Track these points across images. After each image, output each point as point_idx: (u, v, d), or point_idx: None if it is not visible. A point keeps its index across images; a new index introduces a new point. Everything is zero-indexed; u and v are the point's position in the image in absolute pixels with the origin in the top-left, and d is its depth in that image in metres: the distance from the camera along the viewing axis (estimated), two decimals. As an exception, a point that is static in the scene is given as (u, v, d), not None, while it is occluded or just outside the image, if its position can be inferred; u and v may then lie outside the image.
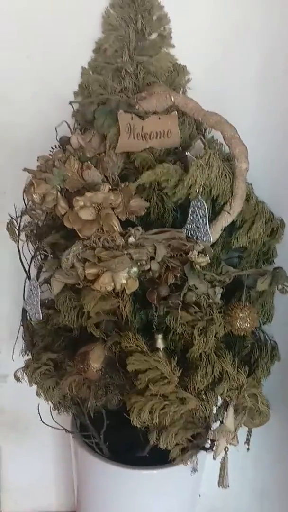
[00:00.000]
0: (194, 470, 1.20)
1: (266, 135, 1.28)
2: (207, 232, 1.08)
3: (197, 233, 1.09)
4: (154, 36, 1.25)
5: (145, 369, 1.07)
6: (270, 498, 1.50)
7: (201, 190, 1.08)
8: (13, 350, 1.30)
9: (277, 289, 1.18)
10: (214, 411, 1.17)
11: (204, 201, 1.07)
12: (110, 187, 1.04)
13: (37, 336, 1.25)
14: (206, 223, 1.08)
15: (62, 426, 1.34)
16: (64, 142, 1.13)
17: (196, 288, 1.10)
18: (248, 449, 1.27)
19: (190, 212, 1.09)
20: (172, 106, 1.13)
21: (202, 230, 1.08)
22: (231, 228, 1.17)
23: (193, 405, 1.08)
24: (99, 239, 1.03)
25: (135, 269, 1.03)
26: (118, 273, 1.01)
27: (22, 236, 1.20)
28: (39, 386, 1.21)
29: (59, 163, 1.07)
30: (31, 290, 1.16)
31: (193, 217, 1.09)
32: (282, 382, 1.32)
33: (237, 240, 1.17)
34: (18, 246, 1.19)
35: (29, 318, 1.23)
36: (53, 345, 1.23)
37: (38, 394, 1.23)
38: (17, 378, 1.24)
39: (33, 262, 1.23)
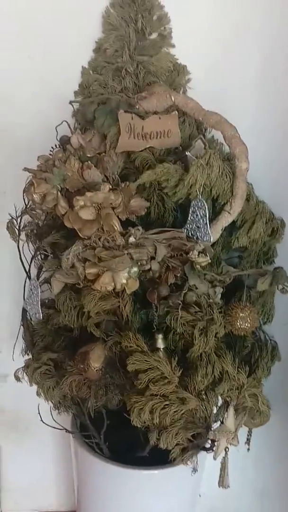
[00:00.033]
0: (195, 470, 1.20)
1: (266, 135, 1.28)
2: (207, 232, 1.08)
3: (198, 233, 1.09)
4: (154, 35, 1.25)
5: (145, 369, 1.07)
6: (270, 498, 1.50)
7: (201, 190, 1.08)
8: (13, 350, 1.30)
9: (278, 289, 1.18)
10: (215, 411, 1.16)
11: (204, 201, 1.07)
12: (111, 186, 1.04)
13: (37, 336, 1.25)
14: (206, 223, 1.08)
15: (62, 426, 1.34)
16: (64, 142, 1.13)
17: (196, 288, 1.10)
18: (248, 449, 1.27)
19: (190, 212, 1.09)
20: (172, 105, 1.13)
21: (202, 230, 1.08)
22: (232, 228, 1.17)
23: (193, 405, 1.08)
24: (99, 239, 1.03)
25: (135, 269, 1.03)
26: (118, 273, 1.01)
27: (23, 236, 1.20)
28: (39, 386, 1.21)
29: (60, 163, 1.07)
30: (31, 289, 1.16)
31: (193, 217, 1.09)
32: (283, 382, 1.32)
33: (237, 240, 1.17)
34: (18, 246, 1.19)
35: (29, 318, 1.23)
36: (53, 345, 1.23)
37: (38, 394, 1.23)
38: (17, 378, 1.24)
39: (33, 261, 1.23)
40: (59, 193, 1.06)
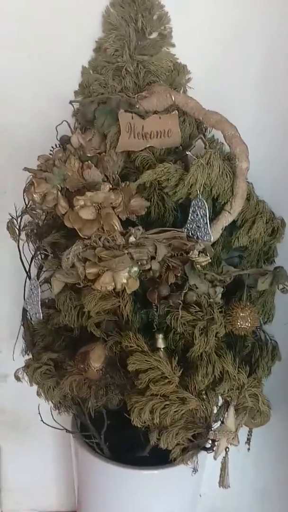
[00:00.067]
0: (195, 470, 1.20)
1: (267, 134, 1.28)
2: (207, 232, 1.08)
3: (198, 233, 1.09)
4: (154, 35, 1.25)
5: (145, 369, 1.07)
6: (271, 498, 1.50)
7: (201, 189, 1.08)
8: (13, 350, 1.30)
9: (278, 288, 1.18)
10: (215, 411, 1.16)
11: (204, 201, 1.07)
12: (111, 186, 1.04)
13: (38, 335, 1.25)
14: (206, 223, 1.08)
15: (62, 426, 1.34)
16: (64, 142, 1.13)
17: (196, 288, 1.09)
18: (249, 449, 1.27)
19: (190, 211, 1.09)
20: (172, 105, 1.13)
21: (202, 229, 1.08)
22: (232, 228, 1.17)
23: (193, 405, 1.08)
24: (99, 239, 1.03)
25: (135, 268, 1.02)
26: (118, 273, 1.01)
27: (23, 235, 1.20)
28: (40, 386, 1.21)
29: (60, 163, 1.07)
30: (31, 289, 1.16)
31: (193, 217, 1.09)
32: (283, 382, 1.32)
33: (237, 240, 1.17)
34: (18, 246, 1.19)
35: (29, 317, 1.23)
36: (53, 345, 1.23)
37: (38, 394, 1.22)
38: (18, 378, 1.24)
39: (33, 261, 1.23)
40: (59, 192, 1.06)
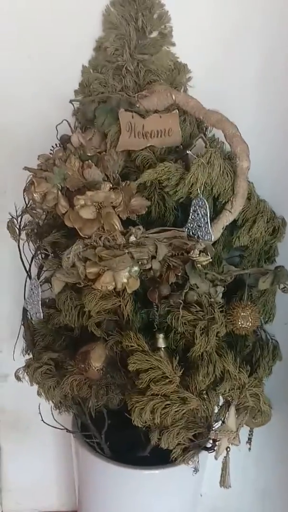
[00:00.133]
0: (196, 470, 1.20)
1: (267, 134, 1.28)
2: (208, 231, 1.08)
3: (199, 232, 1.08)
4: (154, 34, 1.25)
5: (146, 369, 1.07)
6: (272, 498, 1.50)
7: (202, 188, 1.08)
8: (14, 350, 1.29)
9: (279, 288, 1.18)
10: (216, 410, 1.16)
11: (205, 200, 1.07)
12: (111, 185, 1.04)
13: (38, 335, 1.25)
14: (207, 222, 1.07)
15: (63, 426, 1.34)
16: (64, 141, 1.12)
17: (197, 287, 1.09)
18: (249, 448, 1.26)
19: (191, 211, 1.09)
20: (173, 104, 1.13)
21: (203, 229, 1.08)
22: (233, 227, 1.17)
23: (194, 405, 1.08)
24: (100, 238, 1.03)
25: (136, 268, 1.02)
26: (119, 272, 1.01)
27: (23, 235, 1.20)
28: (40, 385, 1.20)
29: (60, 162, 1.07)
30: (31, 289, 1.16)
31: (194, 216, 1.09)
32: (284, 382, 1.32)
33: (238, 239, 1.16)
34: (18, 245, 1.19)
35: (30, 317, 1.23)
36: (54, 345, 1.23)
37: (39, 394, 1.22)
38: (18, 378, 1.24)
39: (33, 261, 1.23)
40: (59, 192, 1.06)
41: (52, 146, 1.13)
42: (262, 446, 1.40)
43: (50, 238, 1.15)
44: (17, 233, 1.18)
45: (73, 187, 1.06)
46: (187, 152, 1.09)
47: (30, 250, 1.22)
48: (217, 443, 1.17)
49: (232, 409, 1.13)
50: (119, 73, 1.24)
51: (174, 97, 1.12)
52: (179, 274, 1.07)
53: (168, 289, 1.08)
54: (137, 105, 1.12)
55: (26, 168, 1.09)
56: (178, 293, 1.09)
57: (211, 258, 1.07)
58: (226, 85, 1.28)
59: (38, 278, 1.19)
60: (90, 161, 1.07)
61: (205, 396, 1.10)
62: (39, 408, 1.29)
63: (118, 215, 1.04)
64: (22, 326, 1.28)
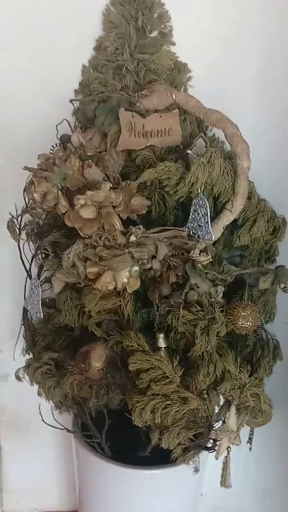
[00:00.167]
0: (196, 470, 1.20)
1: (267, 134, 1.28)
2: (208, 231, 1.08)
3: (199, 232, 1.08)
4: (155, 33, 1.25)
5: (146, 369, 1.07)
6: (272, 498, 1.50)
7: (202, 188, 1.08)
8: (14, 350, 1.29)
9: (279, 287, 1.18)
10: (216, 410, 1.16)
11: (205, 199, 1.07)
12: (111, 185, 1.04)
13: (38, 335, 1.25)
14: (207, 222, 1.07)
15: (63, 426, 1.34)
16: (64, 141, 1.12)
17: (197, 287, 1.09)
18: (250, 448, 1.26)
19: (191, 210, 1.09)
20: (173, 104, 1.12)
21: (203, 228, 1.08)
22: (233, 227, 1.16)
23: (195, 405, 1.08)
24: (100, 238, 1.02)
25: (136, 268, 1.02)
26: (119, 272, 1.01)
27: (23, 235, 1.19)
28: (40, 385, 1.20)
29: (60, 162, 1.07)
30: (32, 289, 1.16)
31: (194, 216, 1.08)
32: (284, 381, 1.32)
33: (239, 239, 1.16)
34: (19, 245, 1.19)
35: (30, 317, 1.23)
36: (54, 345, 1.23)
37: (39, 394, 1.22)
38: (18, 378, 1.24)
39: (34, 261, 1.23)
40: (59, 192, 1.06)
41: (52, 146, 1.13)
42: (263, 445, 1.39)
43: (50, 237, 1.15)
44: (17, 232, 1.18)
45: (73, 186, 1.06)
46: (188, 151, 1.09)
47: (30, 249, 1.22)
48: (217, 443, 1.16)
49: (233, 409, 1.13)
50: (119, 72, 1.24)
51: (174, 97, 1.11)
52: (180, 274, 1.07)
53: (168, 288, 1.08)
54: (137, 105, 1.12)
55: (26, 168, 1.09)
56: (179, 292, 1.09)
57: (212, 257, 1.07)
58: (226, 84, 1.28)
59: (38, 278, 1.18)
60: (90, 160, 1.07)
61: (206, 396, 1.10)
62: (39, 408, 1.29)
63: (118, 215, 1.04)
64: (22, 326, 1.28)
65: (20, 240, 1.19)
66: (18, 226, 1.17)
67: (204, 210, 1.07)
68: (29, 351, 1.28)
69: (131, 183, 1.07)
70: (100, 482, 1.33)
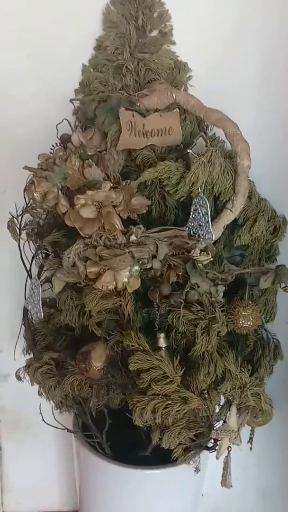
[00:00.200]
0: (197, 469, 1.20)
1: (267, 134, 1.28)
2: (209, 230, 1.08)
3: (199, 231, 1.08)
4: (155, 33, 1.24)
5: (147, 368, 1.07)
6: (273, 497, 1.50)
7: (203, 187, 1.07)
8: (14, 349, 1.29)
9: (280, 287, 1.18)
10: (217, 410, 1.16)
11: (206, 199, 1.07)
12: (112, 185, 1.04)
13: (39, 335, 1.25)
14: (208, 221, 1.07)
15: (64, 426, 1.34)
16: (65, 140, 1.12)
17: (198, 287, 1.09)
18: (251, 448, 1.26)
19: (192, 210, 1.09)
20: (173, 103, 1.12)
21: (204, 228, 1.08)
22: (233, 226, 1.16)
23: (195, 405, 1.08)
24: (100, 238, 1.02)
25: (136, 267, 1.02)
26: (119, 272, 1.01)
27: (23, 234, 1.19)
28: (41, 385, 1.20)
29: (60, 161, 1.07)
30: (32, 289, 1.16)
31: (195, 215, 1.08)
32: (285, 381, 1.32)
33: (239, 238, 1.16)
34: (19, 245, 1.19)
35: (30, 317, 1.23)
36: (54, 344, 1.23)
37: (39, 394, 1.22)
38: (19, 378, 1.24)
39: (34, 260, 1.23)
40: (59, 191, 1.06)
41: (53, 145, 1.12)
42: (264, 445, 1.39)
43: (51, 237, 1.15)
44: (18, 232, 1.18)
45: (74, 186, 1.06)
46: (188, 151, 1.09)
47: (30, 249, 1.22)
48: (218, 442, 1.16)
49: (233, 409, 1.13)
50: (119, 72, 1.24)
51: (174, 96, 1.11)
52: (180, 274, 1.07)
53: (169, 288, 1.08)
54: (138, 104, 1.12)
55: (26, 168, 1.09)
56: (179, 292, 1.09)
57: (212, 257, 1.07)
58: (226, 84, 1.28)
59: (39, 278, 1.18)
60: (90, 160, 1.07)
61: (206, 396, 1.10)
62: (40, 408, 1.29)
63: (119, 215, 1.04)
64: (23, 326, 1.28)
65: (21, 240, 1.19)
66: (18, 226, 1.17)
67: (205, 210, 1.07)
68: (29, 351, 1.28)
69: (131, 183, 1.07)
70: (100, 482, 1.33)
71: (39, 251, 1.20)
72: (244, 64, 1.27)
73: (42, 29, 1.26)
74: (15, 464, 1.68)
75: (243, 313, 1.10)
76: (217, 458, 1.18)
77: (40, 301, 1.15)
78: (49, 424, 1.32)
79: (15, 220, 1.17)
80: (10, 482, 1.70)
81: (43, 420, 1.31)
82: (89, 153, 1.09)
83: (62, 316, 1.17)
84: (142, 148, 1.12)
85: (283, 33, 1.23)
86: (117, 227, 1.03)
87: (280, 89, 1.26)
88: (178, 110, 1.12)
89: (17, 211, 1.16)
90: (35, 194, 1.06)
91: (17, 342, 1.28)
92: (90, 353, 1.10)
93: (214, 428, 1.16)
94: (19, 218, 1.17)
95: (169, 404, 1.06)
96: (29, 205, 1.14)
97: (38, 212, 1.15)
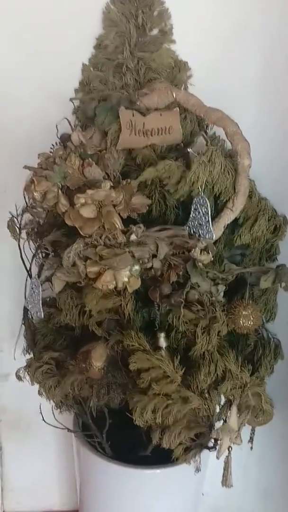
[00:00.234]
0: (197, 469, 1.20)
1: (267, 133, 1.28)
2: (209, 230, 1.07)
3: (200, 231, 1.08)
4: (155, 32, 1.24)
5: (147, 368, 1.07)
6: (274, 497, 1.50)
7: (203, 187, 1.07)
8: (14, 349, 1.29)
9: (281, 286, 1.18)
10: (218, 410, 1.16)
11: (206, 198, 1.07)
12: (112, 184, 1.04)
13: (39, 334, 1.25)
14: (208, 220, 1.07)
15: (64, 426, 1.34)
16: (65, 139, 1.12)
17: (198, 286, 1.09)
18: (251, 448, 1.26)
19: (192, 209, 1.08)
20: (173, 102, 1.12)
21: (204, 227, 1.08)
22: (234, 226, 1.16)
23: (196, 404, 1.08)
24: (100, 237, 1.02)
25: (137, 267, 1.02)
26: (120, 271, 1.01)
27: (23, 234, 1.19)
28: (41, 385, 1.20)
29: (60, 160, 1.07)
30: (32, 288, 1.16)
31: (195, 214, 1.08)
32: (286, 381, 1.31)
33: (240, 238, 1.16)
34: (19, 244, 1.19)
35: (30, 316, 1.22)
36: (54, 344, 1.23)
37: (40, 393, 1.22)
38: (19, 377, 1.24)
39: (34, 260, 1.23)
40: (59, 190, 1.06)
41: (52, 145, 1.12)
42: (264, 445, 1.39)
43: (51, 237, 1.15)
44: (18, 232, 1.18)
45: (74, 185, 1.06)
46: (188, 150, 1.09)
47: (30, 249, 1.22)
48: (219, 442, 1.16)
49: (234, 408, 1.13)
50: (119, 71, 1.23)
51: (174, 95, 1.11)
52: (180, 273, 1.07)
53: (169, 288, 1.07)
54: (138, 103, 1.12)
55: (26, 167, 1.09)
56: (179, 292, 1.09)
57: (212, 256, 1.07)
58: (227, 83, 1.28)
59: (39, 277, 1.18)
60: (90, 159, 1.07)
61: (207, 396, 1.09)
62: (40, 408, 1.29)
63: (119, 214, 1.04)
64: (23, 326, 1.28)
65: (21, 239, 1.18)
66: (18, 226, 1.17)
67: (205, 209, 1.07)
68: (29, 351, 1.28)
69: (131, 182, 1.07)
70: (101, 481, 1.33)
71: (39, 251, 1.20)
72: (244, 64, 1.27)
73: (42, 29, 1.26)
74: (15, 464, 1.68)
75: (244, 312, 1.10)
76: (217, 457, 1.17)
77: (40, 301, 1.15)
78: (49, 424, 1.32)
79: (15, 219, 1.17)
80: (10, 482, 1.70)
81: (43, 419, 1.31)
82: (89, 152, 1.09)
83: (62, 316, 1.16)
84: (142, 147, 1.12)
85: (283, 33, 1.23)
86: (117, 226, 1.02)
87: (280, 89, 1.26)
88: (178, 109, 1.12)
89: (17, 210, 1.16)
90: (35, 194, 1.06)
91: (17, 341, 1.28)
92: (90, 352, 1.10)
93: (215, 427, 1.16)
94: (19, 218, 1.17)
95: (170, 403, 1.06)
96: (29, 204, 1.14)
97: (38, 212, 1.15)
